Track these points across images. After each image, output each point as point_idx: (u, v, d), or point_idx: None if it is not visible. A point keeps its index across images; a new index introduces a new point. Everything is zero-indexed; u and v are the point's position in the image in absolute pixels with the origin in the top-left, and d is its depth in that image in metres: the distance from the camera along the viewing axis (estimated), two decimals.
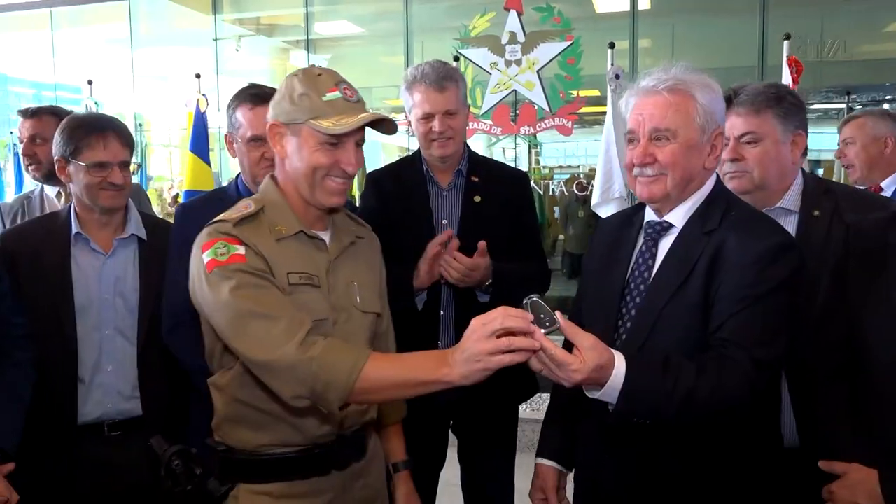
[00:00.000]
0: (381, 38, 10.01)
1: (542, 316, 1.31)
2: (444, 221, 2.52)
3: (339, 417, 1.59)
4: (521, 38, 5.45)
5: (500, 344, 1.24)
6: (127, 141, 2.25)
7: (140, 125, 10.19)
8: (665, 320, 1.57)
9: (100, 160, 2.18)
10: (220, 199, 2.21)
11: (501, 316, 1.26)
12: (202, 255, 1.48)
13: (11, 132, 7.00)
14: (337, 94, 1.53)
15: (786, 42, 4.65)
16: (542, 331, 1.29)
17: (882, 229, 1.62)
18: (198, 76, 5.82)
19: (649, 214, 1.74)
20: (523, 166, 7.89)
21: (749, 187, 1.97)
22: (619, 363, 1.39)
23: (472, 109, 5.77)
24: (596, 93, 6.63)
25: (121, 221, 2.32)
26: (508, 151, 9.46)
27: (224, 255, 1.47)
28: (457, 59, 5.37)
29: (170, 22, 10.86)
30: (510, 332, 1.26)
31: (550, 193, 8.13)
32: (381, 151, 9.47)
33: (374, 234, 1.84)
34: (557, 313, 1.32)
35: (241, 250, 1.48)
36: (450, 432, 2.65)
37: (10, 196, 6.70)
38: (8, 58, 11.27)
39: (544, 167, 8.70)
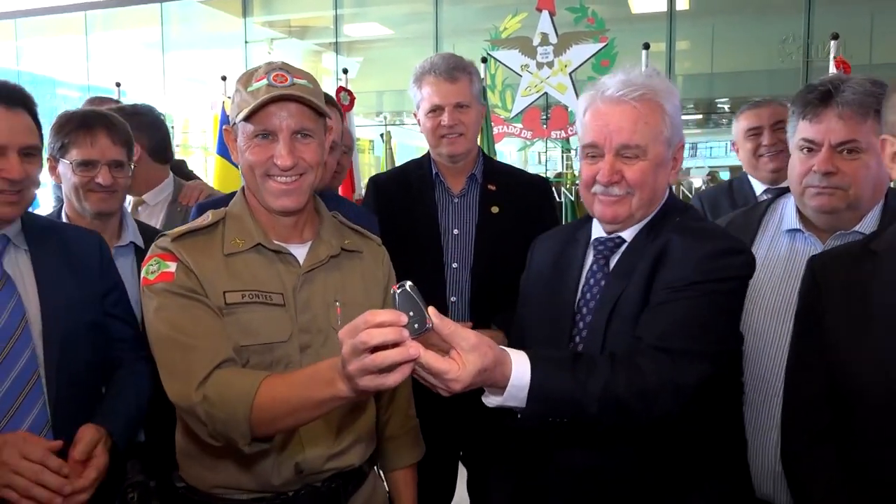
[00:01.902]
0: (411, 41, 9.93)
1: (411, 314, 1.06)
2: (456, 232, 2.30)
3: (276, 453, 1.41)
4: (553, 39, 5.27)
5: (367, 364, 1.03)
6: (121, 139, 2.04)
7: (172, 128, 10.26)
8: (613, 336, 1.43)
9: (86, 158, 1.97)
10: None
11: (365, 331, 1.02)
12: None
13: None
14: (263, 82, 1.36)
15: (833, 42, 4.39)
16: (412, 335, 1.04)
17: (855, 260, 1.42)
18: (223, 78, 5.75)
19: (597, 231, 1.58)
20: (557, 171, 7.71)
21: (840, 206, 1.63)
22: (520, 361, 1.20)
23: (502, 113, 5.61)
24: None
25: (116, 229, 2.10)
26: (542, 156, 9.31)
27: (153, 274, 1.36)
28: (485, 60, 5.22)
29: (201, 25, 10.93)
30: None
31: None
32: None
33: (383, 249, 1.65)
34: (431, 309, 1.08)
35: (172, 268, 1.36)
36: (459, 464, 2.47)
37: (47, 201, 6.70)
38: (52, 61, 11.46)
39: (578, 172, 8.53)
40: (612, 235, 1.53)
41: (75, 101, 10.54)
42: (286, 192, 1.40)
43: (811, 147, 1.63)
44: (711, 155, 16.07)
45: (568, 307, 1.53)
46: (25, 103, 1.57)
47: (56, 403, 1.55)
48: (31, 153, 1.56)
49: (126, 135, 2.08)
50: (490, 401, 1.23)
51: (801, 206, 1.72)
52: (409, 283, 1.08)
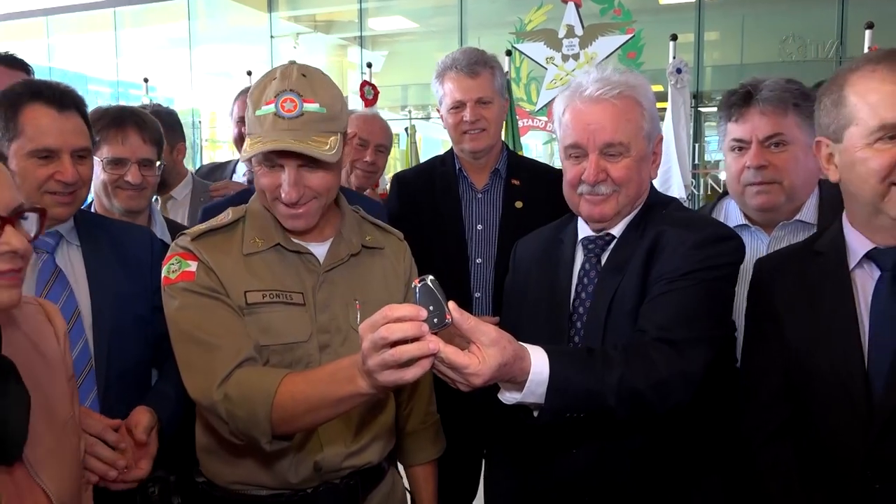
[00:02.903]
0: (436, 34, 9.92)
1: (431, 309, 1.05)
2: (479, 227, 2.28)
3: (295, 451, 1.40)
4: (579, 31, 5.22)
5: (386, 359, 1.03)
6: (151, 137, 2.03)
7: (200, 122, 10.39)
8: (612, 331, 1.43)
9: (116, 156, 1.97)
10: (243, 200, 2.06)
11: (385, 325, 1.02)
12: (161, 271, 1.40)
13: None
14: (270, 108, 1.31)
15: (868, 31, 4.29)
16: (432, 330, 1.04)
17: (801, 261, 1.45)
18: (249, 73, 5.80)
19: (583, 230, 1.58)
20: None
21: (780, 201, 1.72)
22: (538, 356, 1.19)
23: (527, 106, 5.59)
24: (659, 88, 6.35)
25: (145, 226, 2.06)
26: None
27: (174, 273, 1.36)
28: (510, 53, 5.18)
29: (227, 20, 11.04)
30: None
31: None
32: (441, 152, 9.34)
33: (404, 244, 1.62)
34: (451, 304, 1.07)
35: (193, 267, 1.36)
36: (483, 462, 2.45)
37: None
38: (83, 58, 11.66)
39: None
40: (601, 233, 1.54)
41: (106, 97, 10.75)
42: (294, 217, 1.39)
43: (742, 146, 1.75)
44: None
45: (563, 307, 1.53)
46: (77, 105, 1.58)
47: (105, 396, 1.56)
48: (82, 155, 1.58)
49: (157, 133, 2.07)
50: (507, 398, 1.22)
51: (742, 206, 1.81)
52: (430, 277, 1.06)
